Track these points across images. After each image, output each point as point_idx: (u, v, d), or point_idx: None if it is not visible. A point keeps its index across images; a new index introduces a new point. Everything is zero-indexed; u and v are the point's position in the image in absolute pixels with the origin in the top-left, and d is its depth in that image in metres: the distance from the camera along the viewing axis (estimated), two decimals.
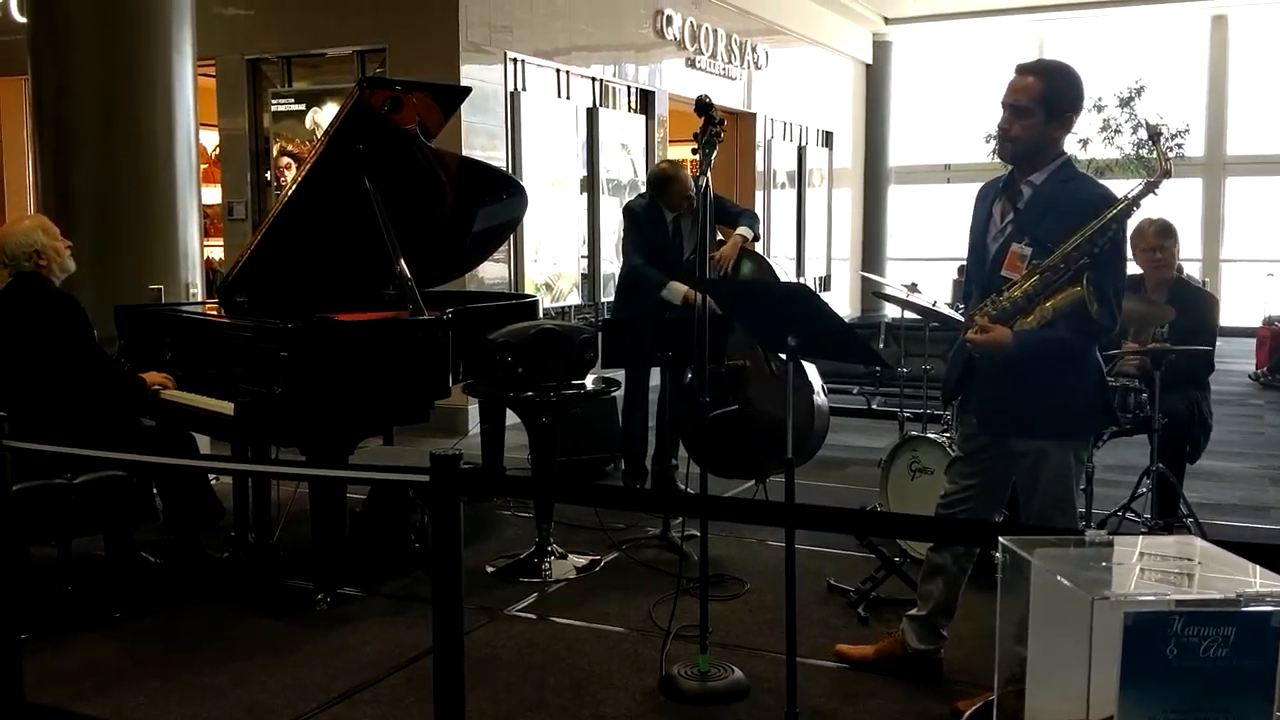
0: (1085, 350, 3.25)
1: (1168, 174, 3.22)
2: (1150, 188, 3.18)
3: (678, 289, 5.57)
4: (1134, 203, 3.14)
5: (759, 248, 5.71)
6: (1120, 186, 3.29)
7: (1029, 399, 3.22)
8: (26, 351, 4.32)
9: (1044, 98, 3.16)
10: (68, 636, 4.00)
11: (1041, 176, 3.23)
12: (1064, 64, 3.26)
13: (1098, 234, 3.08)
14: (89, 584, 4.29)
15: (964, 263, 3.64)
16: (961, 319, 3.46)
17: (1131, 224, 4.98)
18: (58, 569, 4.22)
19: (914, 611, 3.65)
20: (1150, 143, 3.66)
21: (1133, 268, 5.21)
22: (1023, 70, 3.23)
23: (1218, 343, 5.14)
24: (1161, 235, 5.00)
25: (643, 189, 6.45)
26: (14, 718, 3.28)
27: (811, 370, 5.42)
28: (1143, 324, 4.95)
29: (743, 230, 5.58)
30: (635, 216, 5.84)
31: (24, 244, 4.40)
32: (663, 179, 5.78)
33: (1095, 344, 3.27)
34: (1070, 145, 3.33)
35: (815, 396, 5.34)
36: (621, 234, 6.02)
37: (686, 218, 5.73)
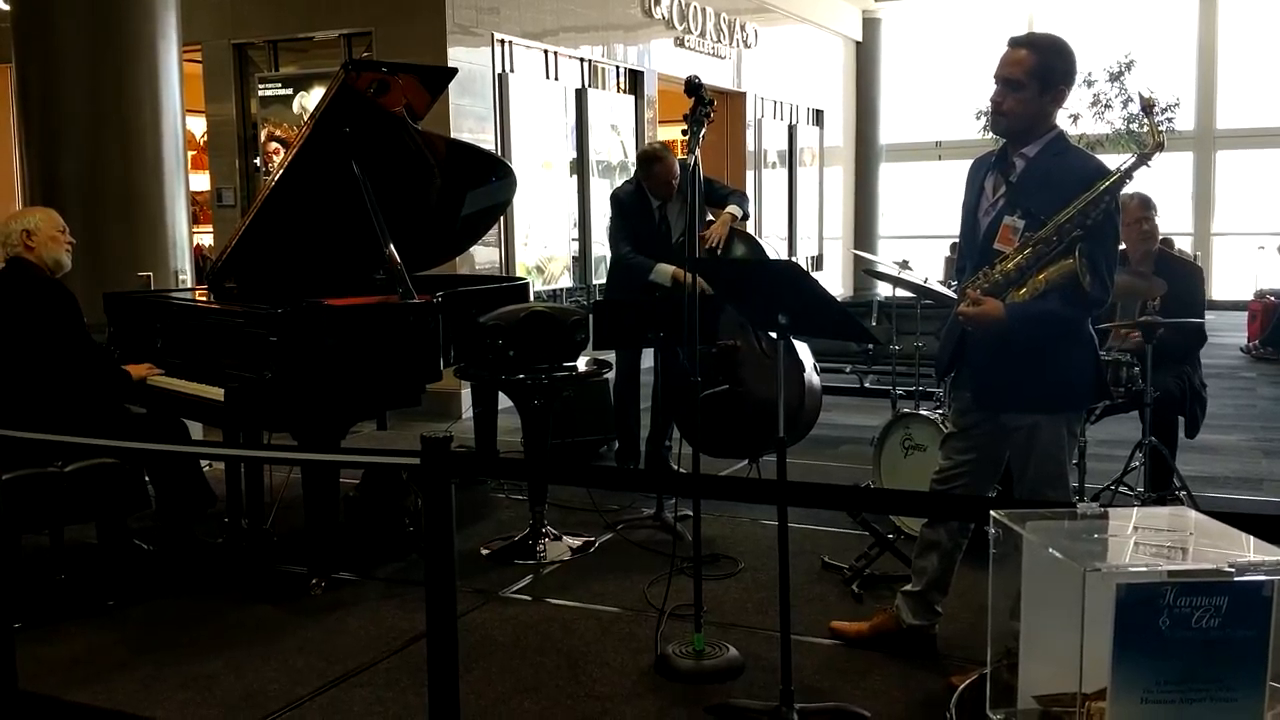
0: (1078, 323, 3.25)
1: (1161, 146, 3.23)
2: (1143, 160, 3.18)
3: (665, 270, 5.56)
4: (1126, 175, 3.14)
5: (749, 227, 5.69)
6: (1112, 162, 3.28)
7: (1021, 372, 3.22)
8: (16, 340, 4.30)
9: (1037, 71, 3.15)
10: (61, 625, 3.99)
11: (1034, 150, 3.23)
12: (1056, 37, 3.25)
13: (1090, 206, 3.09)
14: (82, 572, 4.29)
15: (956, 240, 3.63)
16: (954, 295, 3.46)
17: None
18: (50, 557, 4.21)
19: (908, 587, 3.66)
20: (1143, 114, 3.67)
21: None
22: (1015, 44, 3.22)
23: (1206, 315, 5.15)
24: (1144, 207, 5.01)
25: (633, 171, 6.43)
26: (8, 706, 3.28)
27: (803, 349, 5.42)
28: (1132, 298, 4.95)
29: (731, 209, 5.57)
30: (621, 204, 5.83)
31: (20, 223, 4.43)
32: (648, 158, 5.76)
33: (1088, 316, 3.26)
34: (1061, 120, 3.33)
35: (806, 375, 5.33)
36: (609, 222, 6.00)
37: (673, 204, 5.71)
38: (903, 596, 3.67)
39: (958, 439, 3.50)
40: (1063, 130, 3.30)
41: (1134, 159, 3.19)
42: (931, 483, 3.57)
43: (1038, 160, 3.22)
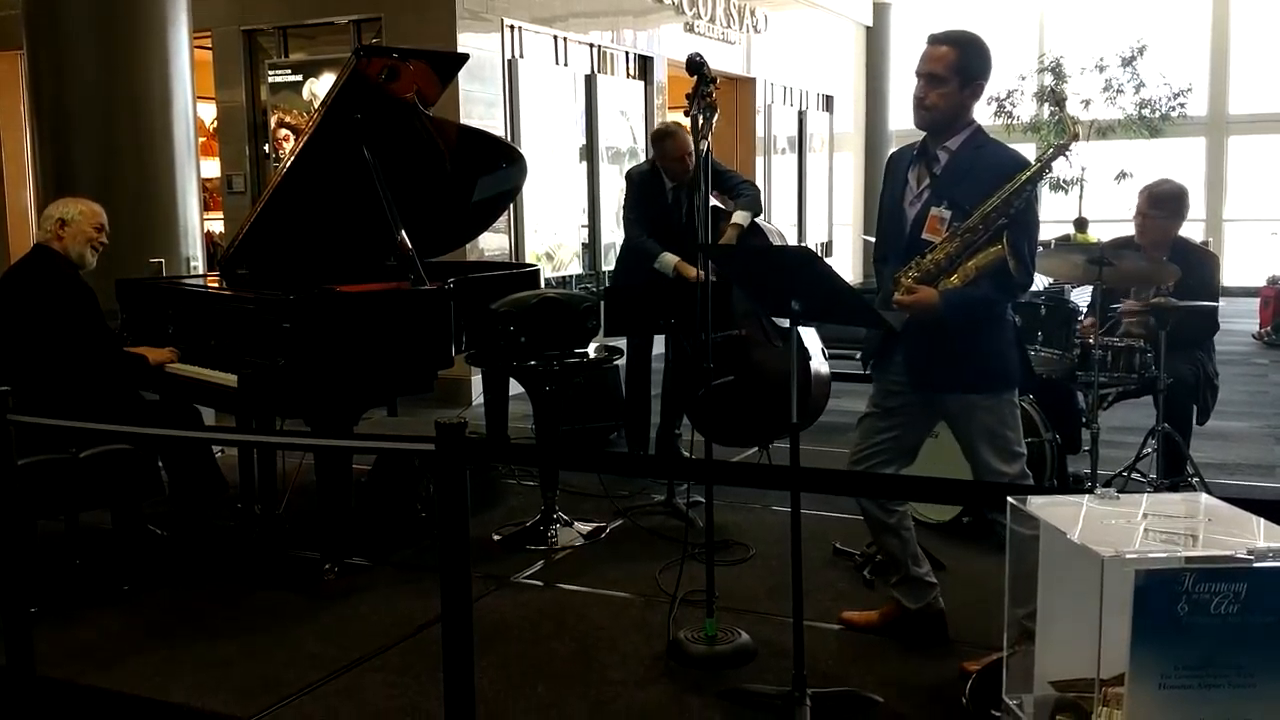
0: (1005, 307, 3.40)
1: (1076, 137, 3.47)
2: (1059, 150, 3.39)
3: (668, 261, 5.54)
4: (1046, 165, 3.30)
5: (763, 218, 5.65)
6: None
7: (956, 355, 3.32)
8: (32, 327, 4.32)
9: (958, 66, 3.29)
10: (76, 610, 4.01)
11: (956, 142, 3.36)
12: (974, 34, 3.38)
13: (1014, 195, 3.22)
14: (97, 557, 4.31)
15: None
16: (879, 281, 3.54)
17: (1138, 185, 5.07)
18: (65, 543, 4.24)
19: (894, 578, 3.69)
20: (1056, 108, 3.94)
21: (1128, 229, 5.23)
22: (936, 40, 3.34)
23: (1220, 301, 5.13)
24: (1157, 204, 4.97)
25: (643, 156, 6.40)
26: (24, 691, 3.30)
27: (810, 337, 5.40)
28: (1144, 283, 4.93)
29: (738, 219, 5.48)
30: (634, 184, 5.81)
31: (60, 210, 4.46)
32: (660, 134, 5.72)
33: (1014, 300, 3.43)
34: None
35: (813, 362, 5.32)
36: (622, 201, 5.99)
37: (686, 187, 5.68)
38: (895, 588, 3.69)
39: (878, 419, 3.57)
40: (980, 124, 3.42)
41: (1052, 150, 3.37)
42: (849, 462, 3.63)
43: (960, 153, 3.35)
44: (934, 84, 3.29)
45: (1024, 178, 3.21)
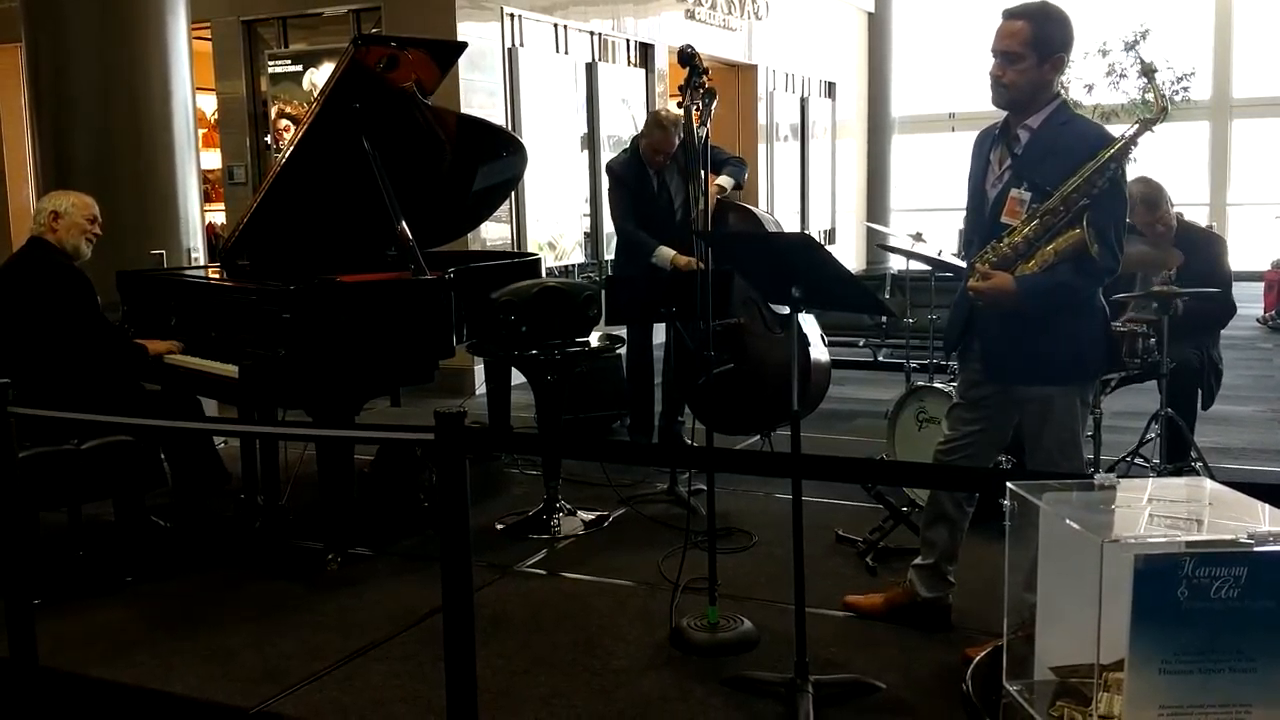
0: (1088, 293, 3.24)
1: (1165, 110, 3.24)
2: (1146, 125, 3.18)
3: (665, 254, 5.52)
4: (1131, 141, 3.13)
5: (760, 197, 5.64)
6: (1113, 132, 3.26)
7: (1034, 344, 3.21)
8: (31, 320, 4.31)
9: (1034, 41, 3.14)
10: (80, 601, 4.02)
11: (1038, 120, 3.22)
12: (1051, 5, 3.23)
13: (1096, 174, 3.08)
14: (100, 549, 4.32)
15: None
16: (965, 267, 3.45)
17: (1141, 170, 4.99)
18: (68, 534, 4.25)
19: (919, 561, 3.66)
20: (1146, 79, 3.68)
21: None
22: (1009, 15, 3.21)
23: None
24: (1150, 210, 4.92)
25: None
26: (28, 682, 3.31)
27: (808, 324, 5.39)
28: (1152, 268, 4.91)
29: (721, 181, 5.48)
30: (616, 175, 5.75)
31: (52, 203, 4.46)
32: (656, 121, 5.67)
33: (1098, 285, 3.26)
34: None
35: (812, 350, 5.31)
36: (608, 195, 5.94)
37: (671, 172, 5.65)
38: (915, 570, 3.66)
39: (965, 410, 3.49)
40: (1065, 98, 3.29)
41: (1137, 125, 3.18)
42: (936, 453, 3.58)
43: (1042, 131, 3.21)
44: (1010, 61, 3.16)
45: (1107, 155, 3.07)
